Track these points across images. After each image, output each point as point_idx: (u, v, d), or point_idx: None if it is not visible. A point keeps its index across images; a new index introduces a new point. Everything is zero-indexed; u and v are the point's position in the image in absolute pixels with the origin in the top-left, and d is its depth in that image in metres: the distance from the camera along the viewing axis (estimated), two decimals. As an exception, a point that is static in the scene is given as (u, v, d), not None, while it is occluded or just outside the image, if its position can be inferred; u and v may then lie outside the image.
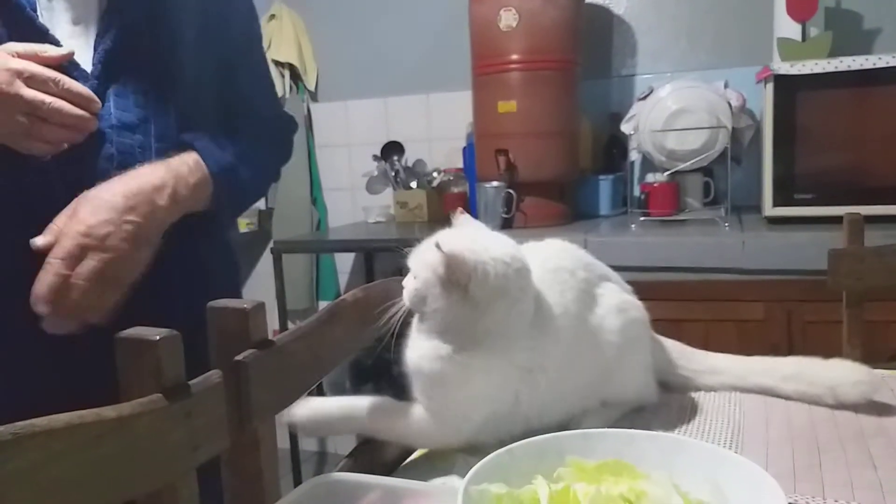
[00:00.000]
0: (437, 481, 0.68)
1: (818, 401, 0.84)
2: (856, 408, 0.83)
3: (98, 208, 0.76)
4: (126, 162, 0.83)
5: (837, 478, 0.67)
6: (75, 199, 0.78)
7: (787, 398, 0.86)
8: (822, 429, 0.79)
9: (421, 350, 0.71)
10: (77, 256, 0.74)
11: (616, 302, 0.81)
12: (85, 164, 0.81)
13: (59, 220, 0.76)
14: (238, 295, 1.08)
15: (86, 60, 0.83)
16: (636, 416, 0.85)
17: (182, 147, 0.90)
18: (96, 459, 0.45)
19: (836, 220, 1.66)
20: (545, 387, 0.73)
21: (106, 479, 0.46)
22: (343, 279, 2.73)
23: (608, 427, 0.80)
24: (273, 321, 2.21)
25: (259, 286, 2.79)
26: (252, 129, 1.02)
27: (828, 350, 0.92)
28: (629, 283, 0.88)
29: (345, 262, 2.72)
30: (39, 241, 0.75)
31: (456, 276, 0.67)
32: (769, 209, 1.77)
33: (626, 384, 0.83)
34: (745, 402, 0.88)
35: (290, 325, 2.30)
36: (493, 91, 1.97)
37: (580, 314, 0.77)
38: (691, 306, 1.69)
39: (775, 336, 1.65)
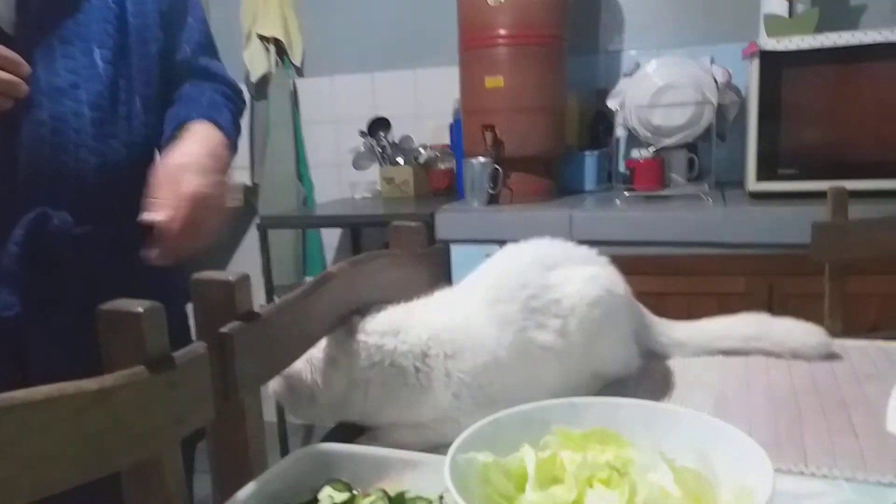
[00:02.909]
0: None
1: (779, 357, 0.92)
2: (836, 377, 0.85)
3: (199, 173, 0.82)
4: (59, 128, 0.82)
5: (819, 446, 0.69)
6: (165, 167, 0.83)
7: (748, 355, 0.93)
8: (803, 398, 0.80)
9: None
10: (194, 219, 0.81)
11: (577, 287, 0.80)
12: (16, 131, 0.79)
13: (164, 193, 0.80)
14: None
15: (5, 23, 0.80)
16: (620, 385, 0.85)
17: (177, 118, 0.91)
18: (78, 432, 0.45)
19: (819, 195, 1.67)
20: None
21: (89, 451, 0.45)
22: (330, 255, 2.72)
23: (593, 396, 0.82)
24: (259, 297, 2.20)
25: (245, 262, 2.77)
26: (216, 89, 1.01)
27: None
28: (613, 257, 0.88)
29: (331, 238, 2.71)
30: (154, 216, 0.79)
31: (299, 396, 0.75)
32: (753, 184, 1.78)
33: (607, 357, 0.84)
34: (727, 370, 0.89)
35: (276, 302, 2.29)
36: (480, 66, 1.95)
37: (526, 326, 0.76)
38: (674, 280, 1.70)
39: (756, 309, 1.65)
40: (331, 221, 2.48)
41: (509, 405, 0.73)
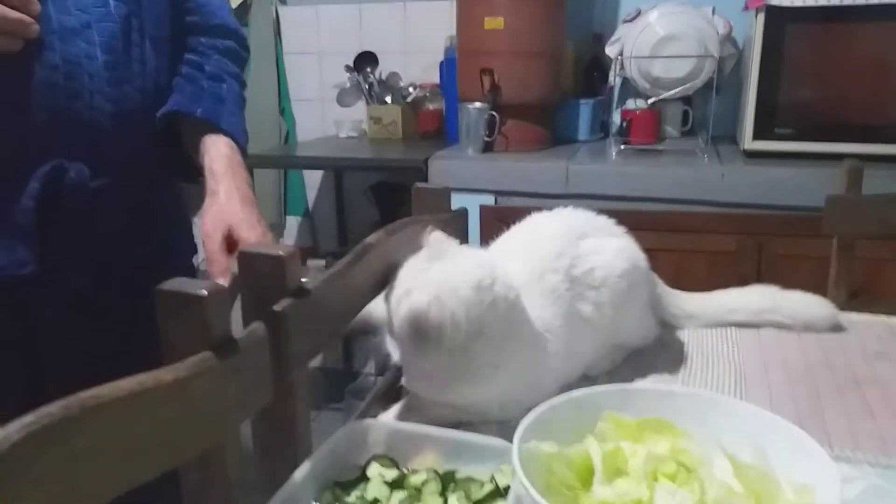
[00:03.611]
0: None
1: (790, 330, 0.94)
2: (846, 353, 0.88)
3: (252, 225, 0.83)
4: (73, 73, 0.77)
5: (840, 427, 0.71)
6: (219, 221, 0.83)
7: (760, 328, 0.95)
8: (819, 374, 0.82)
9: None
10: None
11: (608, 259, 0.81)
12: (27, 76, 0.74)
13: (219, 257, 0.81)
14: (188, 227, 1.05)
15: None
16: (640, 358, 0.87)
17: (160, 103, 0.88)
18: (157, 425, 0.43)
19: (814, 156, 1.70)
20: (562, 360, 0.75)
21: (166, 444, 0.44)
22: (311, 195, 2.66)
23: (614, 368, 0.84)
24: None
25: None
26: (219, 47, 0.97)
27: (795, 283, 0.96)
28: (607, 212, 0.89)
29: (314, 178, 2.64)
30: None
31: (424, 333, 0.63)
32: (749, 142, 1.78)
33: (631, 328, 0.86)
34: (741, 343, 0.91)
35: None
36: (479, 5, 1.89)
37: (572, 298, 0.77)
38: (665, 237, 1.71)
39: (745, 268, 1.70)
40: (318, 163, 2.41)
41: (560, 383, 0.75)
